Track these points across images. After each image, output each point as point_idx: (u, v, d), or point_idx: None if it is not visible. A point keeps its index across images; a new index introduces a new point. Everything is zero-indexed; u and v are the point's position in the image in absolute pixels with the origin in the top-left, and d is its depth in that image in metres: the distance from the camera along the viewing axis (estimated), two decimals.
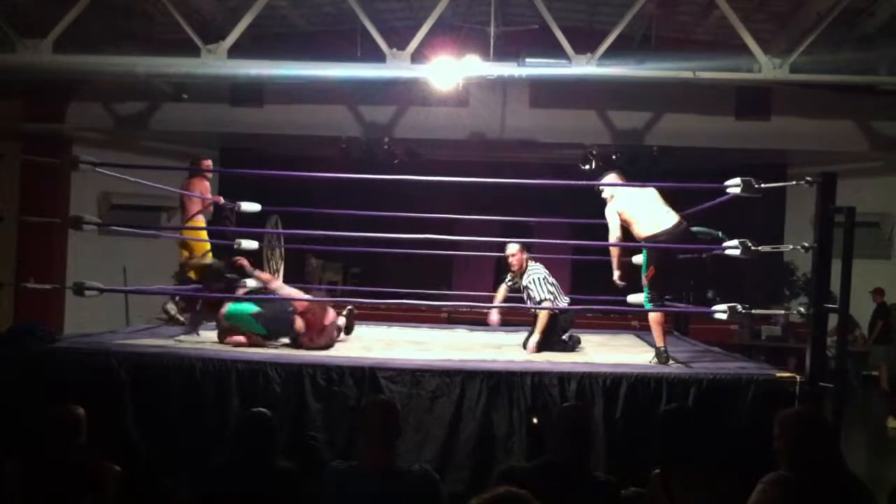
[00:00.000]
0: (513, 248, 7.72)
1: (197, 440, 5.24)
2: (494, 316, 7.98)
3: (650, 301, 6.64)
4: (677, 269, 7.02)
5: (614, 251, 6.87)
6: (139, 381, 5.49)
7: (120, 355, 5.67)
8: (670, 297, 8.68)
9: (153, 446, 5.16)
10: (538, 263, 7.73)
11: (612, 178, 7.04)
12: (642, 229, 6.66)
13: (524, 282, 7.60)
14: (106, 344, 6.19)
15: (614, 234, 6.76)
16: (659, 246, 6.57)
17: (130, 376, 5.48)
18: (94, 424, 4.03)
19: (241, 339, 6.78)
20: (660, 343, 6.51)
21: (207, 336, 7.15)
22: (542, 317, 7.37)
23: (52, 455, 3.65)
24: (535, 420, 5.44)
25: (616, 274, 6.99)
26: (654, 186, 6.88)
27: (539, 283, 7.50)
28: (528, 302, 7.52)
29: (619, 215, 6.73)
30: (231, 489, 3.78)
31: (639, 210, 6.67)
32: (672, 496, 3.71)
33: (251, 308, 6.90)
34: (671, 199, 6.86)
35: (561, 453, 3.81)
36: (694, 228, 6.71)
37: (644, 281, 6.65)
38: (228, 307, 6.97)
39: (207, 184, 8.67)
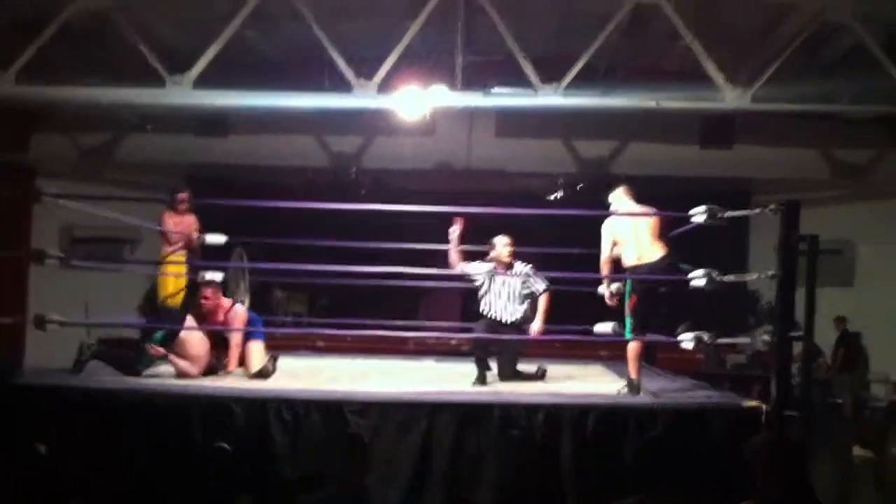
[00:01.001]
0: (505, 240, 7.58)
1: (159, 475, 5.15)
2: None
3: (632, 330, 6.60)
4: (659, 301, 7.01)
5: (604, 269, 6.81)
6: (101, 417, 5.39)
7: (80, 390, 5.59)
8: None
9: (113, 482, 5.05)
10: None
11: (619, 192, 7.00)
12: (627, 257, 6.65)
13: (518, 272, 7.48)
14: (66, 379, 6.09)
15: (604, 250, 6.74)
16: (638, 277, 6.54)
17: (91, 411, 5.38)
18: (53, 460, 3.95)
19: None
20: (634, 375, 6.48)
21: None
22: (544, 302, 7.38)
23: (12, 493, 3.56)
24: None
25: (606, 292, 6.94)
26: (624, 214, 6.86)
27: (537, 273, 7.47)
28: (521, 292, 7.45)
29: (612, 234, 6.73)
30: None
31: (627, 235, 6.66)
32: None
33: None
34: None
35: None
36: (682, 266, 6.70)
37: (627, 310, 6.62)
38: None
39: (185, 217, 8.59)
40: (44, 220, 12.13)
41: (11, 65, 9.30)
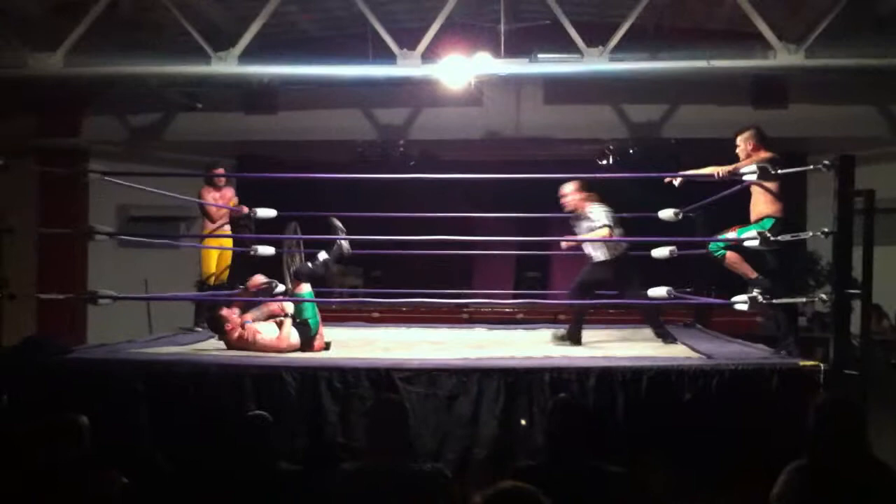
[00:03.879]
0: (568, 188, 7.54)
1: (210, 447, 5.18)
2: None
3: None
4: None
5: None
6: (152, 389, 5.45)
7: (132, 363, 5.65)
8: (691, 290, 8.59)
9: (167, 455, 5.09)
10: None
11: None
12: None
13: (585, 212, 7.44)
14: (118, 352, 6.17)
15: None
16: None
17: (143, 384, 5.44)
18: (104, 434, 3.99)
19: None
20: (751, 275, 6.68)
21: None
22: (598, 235, 7.37)
23: (49, 465, 3.57)
24: (523, 422, 5.39)
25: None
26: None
27: (602, 212, 7.40)
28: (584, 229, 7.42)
29: None
30: (229, 494, 3.72)
31: None
32: None
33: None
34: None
35: (565, 448, 3.71)
36: None
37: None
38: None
39: (224, 192, 8.67)
40: (100, 202, 12.33)
41: (58, 47, 9.36)
